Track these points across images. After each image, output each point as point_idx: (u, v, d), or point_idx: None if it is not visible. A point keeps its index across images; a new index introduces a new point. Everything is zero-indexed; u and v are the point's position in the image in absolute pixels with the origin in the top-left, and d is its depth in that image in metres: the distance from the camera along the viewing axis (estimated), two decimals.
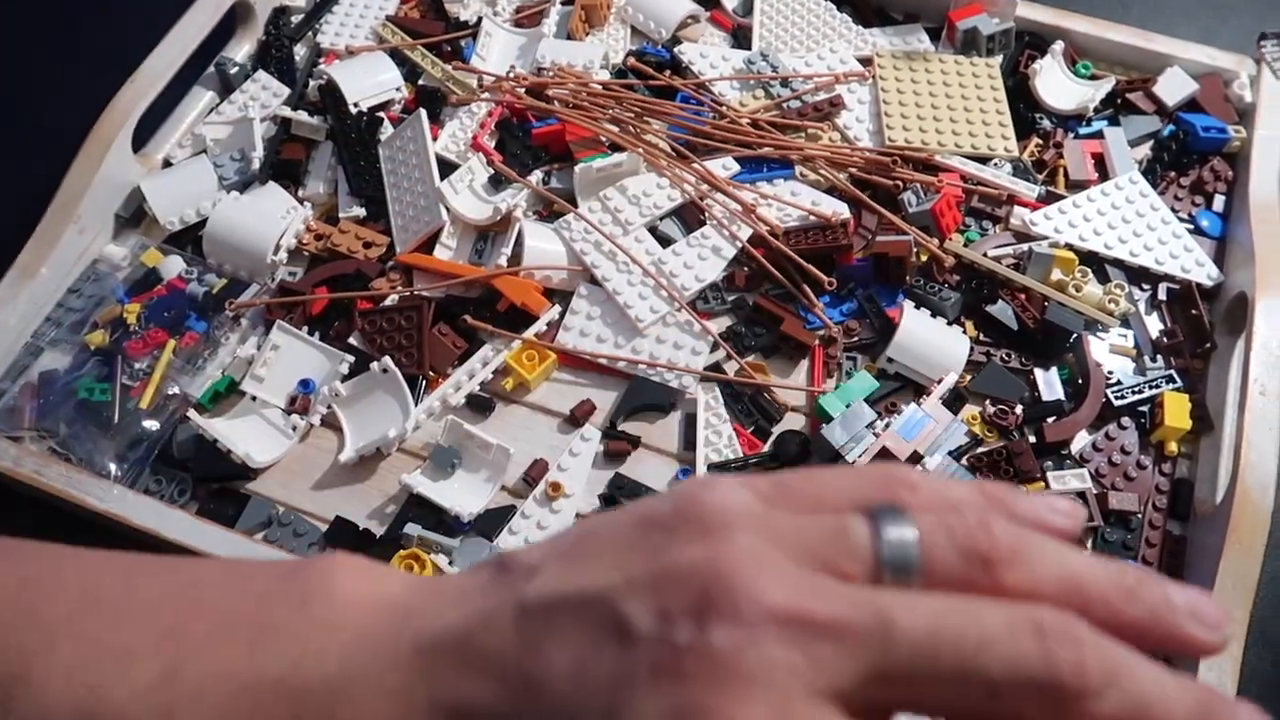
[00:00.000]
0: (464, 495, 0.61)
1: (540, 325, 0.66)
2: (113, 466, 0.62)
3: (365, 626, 0.26)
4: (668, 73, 0.78)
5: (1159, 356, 0.66)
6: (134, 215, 0.74)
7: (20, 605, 0.28)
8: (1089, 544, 0.60)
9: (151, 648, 0.27)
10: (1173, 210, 0.71)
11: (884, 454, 0.59)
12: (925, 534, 0.23)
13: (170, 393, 0.65)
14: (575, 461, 0.62)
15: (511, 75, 0.78)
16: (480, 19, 0.82)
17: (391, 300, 0.68)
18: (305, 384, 0.65)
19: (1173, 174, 0.74)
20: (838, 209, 0.70)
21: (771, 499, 0.25)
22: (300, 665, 0.26)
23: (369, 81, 0.77)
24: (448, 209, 0.70)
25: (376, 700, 0.25)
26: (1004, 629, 0.21)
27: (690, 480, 0.36)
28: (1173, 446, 0.63)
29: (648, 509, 0.25)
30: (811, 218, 0.69)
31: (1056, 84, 0.78)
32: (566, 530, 0.28)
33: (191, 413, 0.63)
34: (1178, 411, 0.62)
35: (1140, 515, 0.60)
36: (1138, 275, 0.70)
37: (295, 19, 0.84)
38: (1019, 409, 0.64)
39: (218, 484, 0.62)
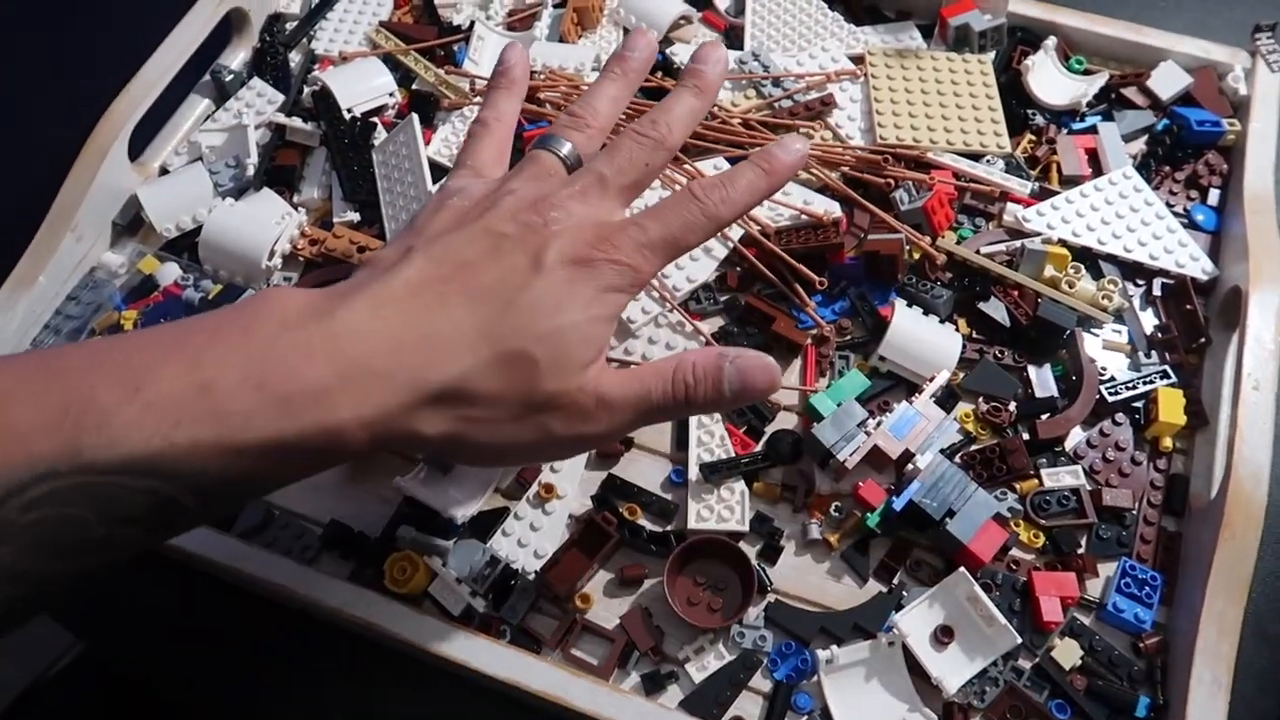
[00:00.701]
0: (457, 498, 0.61)
1: None
2: None
3: (306, 309, 0.39)
4: (659, 74, 0.78)
5: (1153, 352, 0.66)
6: (131, 223, 0.75)
7: (56, 369, 0.36)
8: (1084, 541, 0.60)
9: (169, 355, 0.36)
10: (1167, 205, 0.71)
11: (875, 453, 0.59)
12: (578, 143, 0.48)
13: None
14: (567, 463, 0.63)
15: None
16: (473, 23, 0.83)
17: None
18: None
19: (1167, 168, 0.74)
20: (829, 207, 0.70)
21: (483, 172, 0.49)
22: (278, 334, 0.38)
23: (362, 87, 0.78)
24: None
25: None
26: (681, 208, 0.45)
27: (438, 192, 0.48)
28: (1167, 442, 0.62)
29: (440, 205, 0.46)
30: (803, 216, 0.69)
31: (1049, 79, 0.78)
32: (392, 238, 0.50)
33: None
34: (1172, 407, 0.62)
35: (1135, 512, 0.60)
36: (1132, 270, 0.69)
37: (290, 26, 0.85)
38: (1012, 406, 0.63)
39: None
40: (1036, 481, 0.61)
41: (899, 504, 0.57)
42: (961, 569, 0.56)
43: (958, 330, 0.66)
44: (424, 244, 0.42)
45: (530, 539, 0.60)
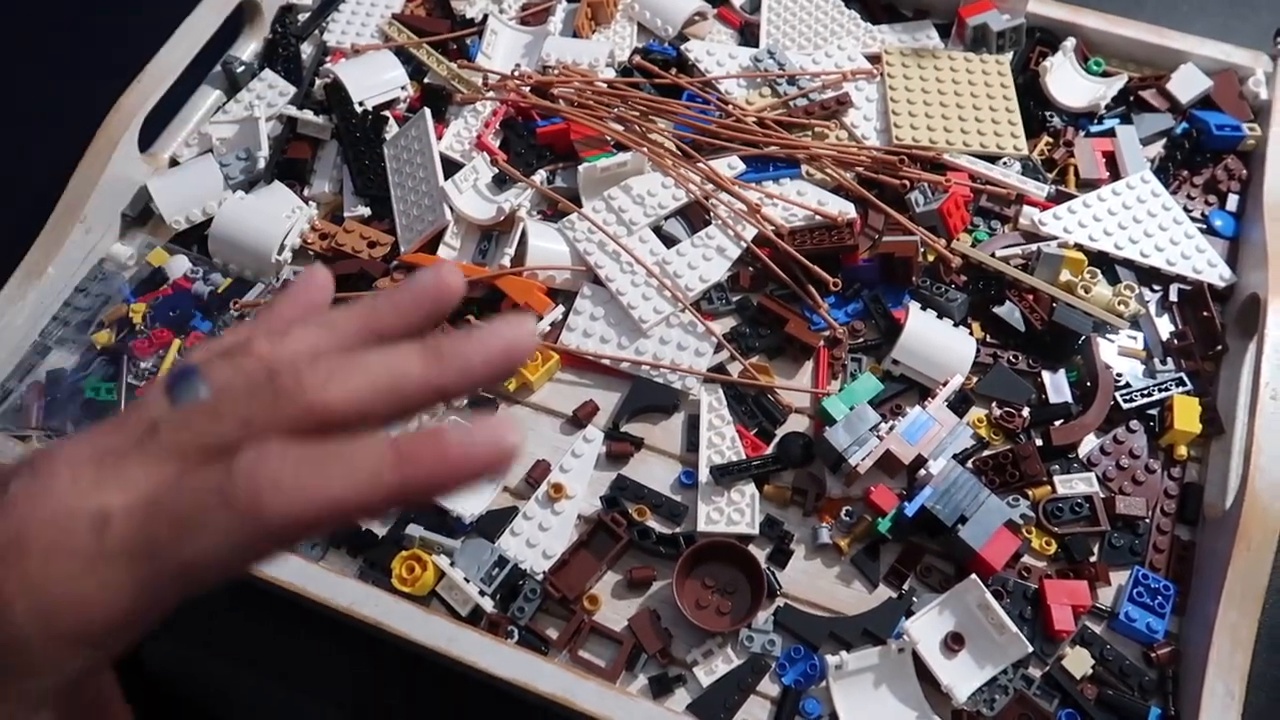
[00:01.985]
0: (466, 496, 0.61)
1: (544, 325, 0.66)
2: None
3: None
4: (674, 71, 0.78)
5: (1169, 359, 0.65)
6: (140, 214, 0.75)
7: None
8: (1096, 549, 0.59)
9: None
10: (1185, 210, 0.70)
11: (887, 457, 0.59)
12: (218, 387, 0.24)
13: None
14: (577, 463, 0.62)
15: (517, 74, 0.77)
16: (486, 17, 0.82)
17: None
18: None
19: (1185, 173, 0.73)
20: (844, 208, 0.69)
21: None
22: None
23: (374, 80, 0.77)
24: (451, 208, 0.70)
25: None
26: (210, 497, 0.23)
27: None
28: (1182, 450, 0.62)
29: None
30: (817, 217, 0.69)
31: (1068, 81, 0.77)
32: None
33: None
34: (1187, 415, 0.61)
35: (1148, 520, 0.60)
36: (1148, 276, 0.69)
37: (302, 17, 0.85)
38: (1026, 411, 0.63)
39: None
40: (1049, 488, 0.60)
41: (911, 509, 0.57)
42: (973, 575, 0.56)
43: (972, 334, 0.66)
44: None
45: (539, 539, 0.60)
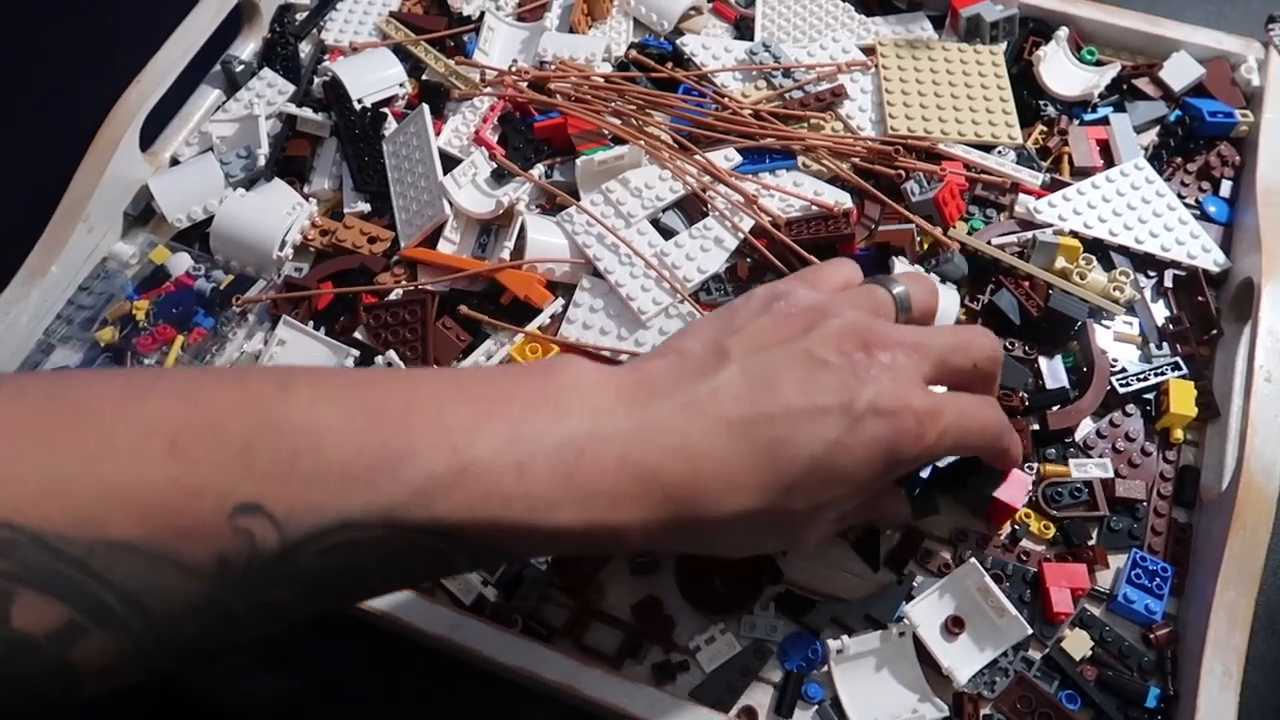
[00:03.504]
0: None
1: (543, 318, 0.67)
2: None
3: (619, 397, 0.39)
4: (669, 65, 0.78)
5: (1164, 344, 0.66)
6: (142, 213, 0.75)
7: (374, 409, 0.35)
8: (1094, 533, 0.60)
9: (486, 421, 0.36)
10: (1179, 196, 0.71)
11: None
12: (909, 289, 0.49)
13: None
14: None
15: (514, 69, 0.78)
16: (483, 13, 0.83)
17: (396, 294, 0.68)
18: None
19: (1179, 160, 0.74)
20: (840, 199, 0.70)
21: (818, 287, 0.47)
22: (592, 425, 0.38)
23: (373, 77, 0.78)
24: (451, 203, 0.71)
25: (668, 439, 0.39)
26: (986, 346, 0.49)
27: (764, 288, 0.46)
28: (1178, 434, 0.62)
29: (765, 305, 0.44)
30: (814, 208, 0.69)
31: (1061, 70, 0.77)
32: (701, 323, 0.45)
33: None
34: (1183, 398, 0.62)
35: (1146, 503, 0.60)
36: (1143, 262, 0.69)
37: (300, 16, 0.85)
38: (1023, 396, 0.63)
39: None
40: (1062, 469, 0.61)
41: (926, 474, 0.57)
42: (972, 560, 0.57)
43: (963, 301, 0.66)
44: (741, 352, 0.41)
45: None
